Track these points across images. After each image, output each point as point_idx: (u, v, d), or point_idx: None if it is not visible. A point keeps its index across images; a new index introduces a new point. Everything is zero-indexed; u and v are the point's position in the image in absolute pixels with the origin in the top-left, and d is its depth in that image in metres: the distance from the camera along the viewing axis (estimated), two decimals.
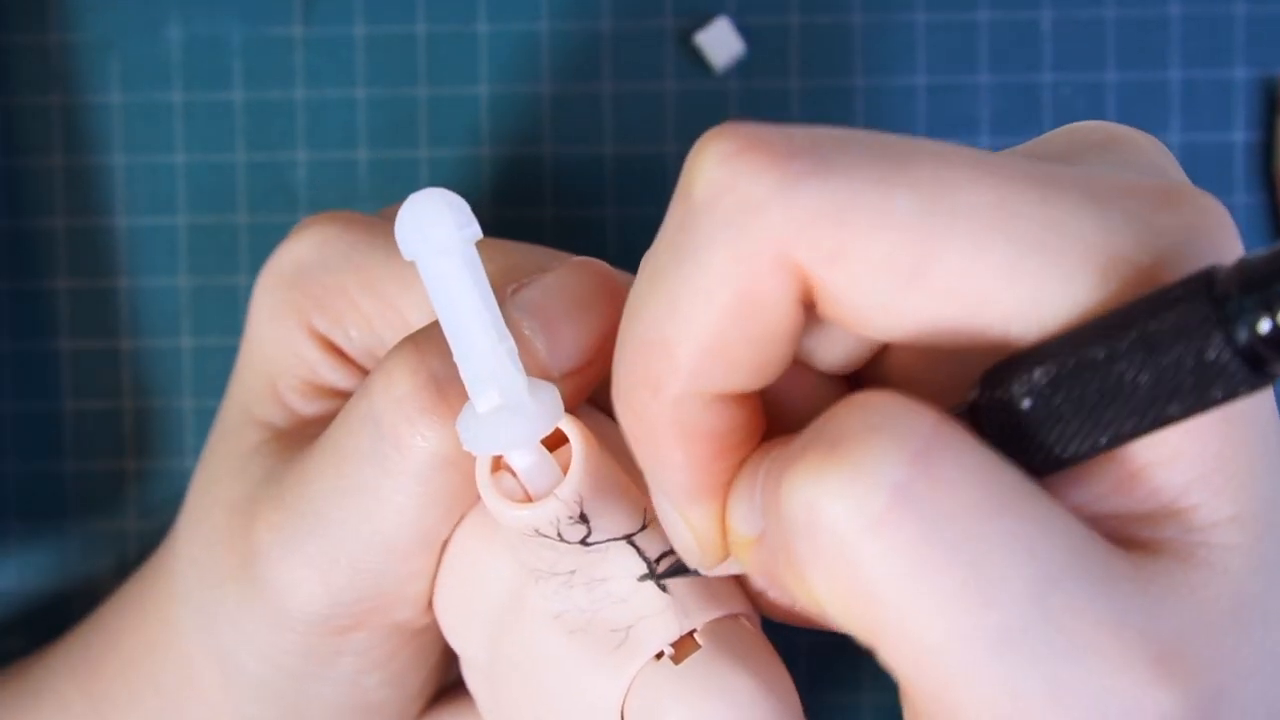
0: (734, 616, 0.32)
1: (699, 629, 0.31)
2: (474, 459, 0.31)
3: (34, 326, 0.44)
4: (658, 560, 0.31)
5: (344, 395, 0.37)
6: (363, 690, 0.36)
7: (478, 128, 0.44)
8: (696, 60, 0.44)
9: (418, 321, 0.35)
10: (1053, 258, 0.23)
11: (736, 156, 0.24)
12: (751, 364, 0.25)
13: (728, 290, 0.24)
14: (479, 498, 0.32)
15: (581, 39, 0.44)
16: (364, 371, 0.37)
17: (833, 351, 0.28)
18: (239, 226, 0.44)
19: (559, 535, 0.30)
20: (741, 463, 0.27)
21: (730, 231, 0.24)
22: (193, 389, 0.44)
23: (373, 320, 0.36)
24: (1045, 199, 0.24)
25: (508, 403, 0.29)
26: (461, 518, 0.33)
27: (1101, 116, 0.43)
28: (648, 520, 0.31)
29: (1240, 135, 0.43)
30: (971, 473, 0.23)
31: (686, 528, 0.28)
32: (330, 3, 0.43)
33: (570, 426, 0.30)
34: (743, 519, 0.27)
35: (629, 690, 0.31)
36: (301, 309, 0.36)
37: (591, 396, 0.33)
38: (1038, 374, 0.23)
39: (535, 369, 0.31)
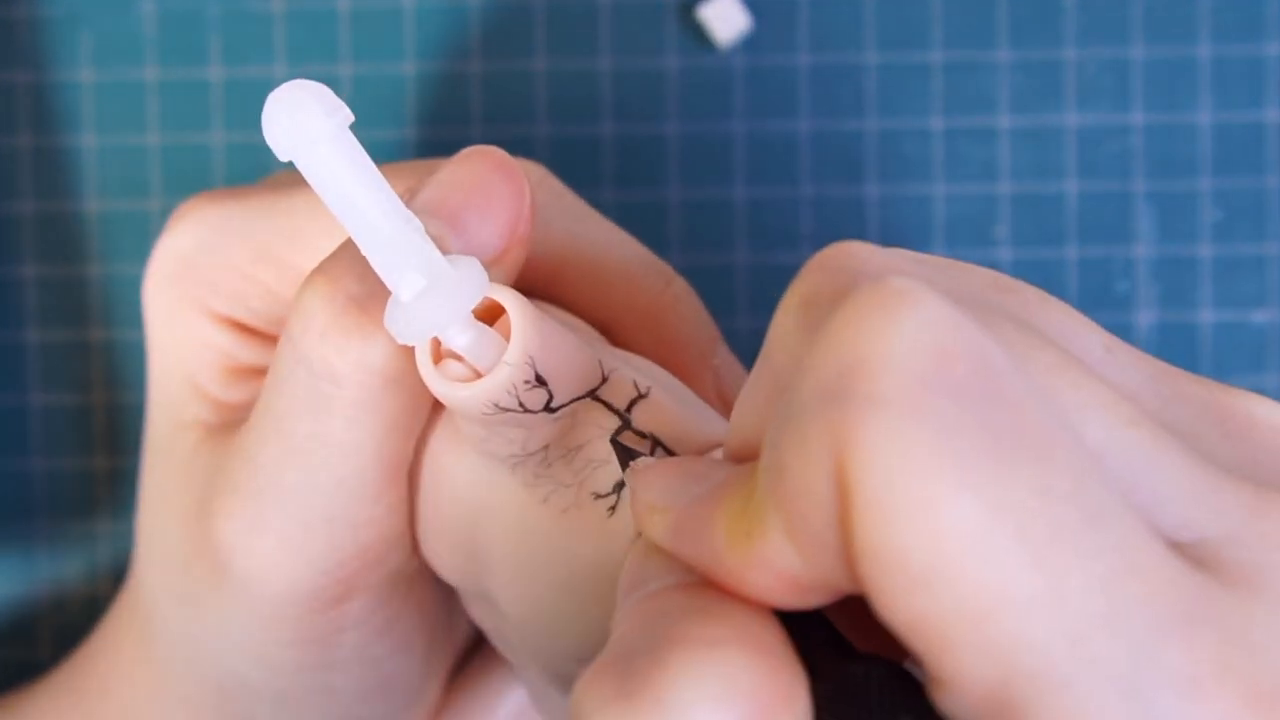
0: (719, 445, 0.32)
1: None
2: (416, 372, 0.31)
3: (2, 316, 0.45)
4: (628, 408, 0.32)
5: (265, 371, 0.37)
6: (375, 664, 0.36)
7: (468, 105, 0.44)
8: (699, 35, 0.44)
9: (312, 265, 0.36)
10: None
11: None
12: None
13: None
14: (432, 413, 0.33)
15: (577, 12, 0.44)
16: (272, 337, 0.37)
17: None
18: None
19: (520, 404, 0.30)
20: None
21: None
22: None
23: (271, 286, 0.36)
24: None
25: (431, 282, 0.29)
26: (422, 443, 0.34)
27: (1127, 95, 0.44)
28: (606, 373, 0.32)
29: (1274, 114, 0.44)
30: None
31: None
32: None
33: (502, 293, 0.30)
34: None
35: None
36: (197, 298, 0.37)
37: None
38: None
39: None
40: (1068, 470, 0.22)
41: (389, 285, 0.29)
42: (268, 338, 0.37)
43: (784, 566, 0.23)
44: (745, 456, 0.27)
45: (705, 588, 0.25)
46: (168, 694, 0.38)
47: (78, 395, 0.45)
